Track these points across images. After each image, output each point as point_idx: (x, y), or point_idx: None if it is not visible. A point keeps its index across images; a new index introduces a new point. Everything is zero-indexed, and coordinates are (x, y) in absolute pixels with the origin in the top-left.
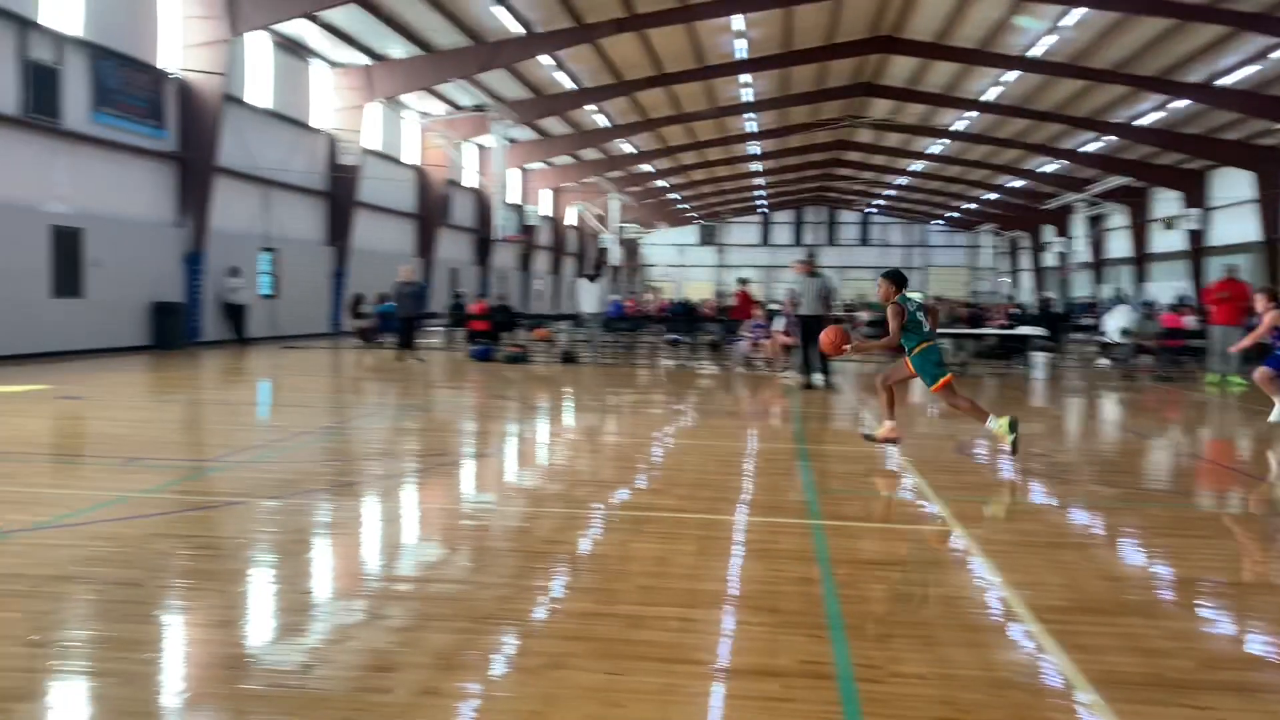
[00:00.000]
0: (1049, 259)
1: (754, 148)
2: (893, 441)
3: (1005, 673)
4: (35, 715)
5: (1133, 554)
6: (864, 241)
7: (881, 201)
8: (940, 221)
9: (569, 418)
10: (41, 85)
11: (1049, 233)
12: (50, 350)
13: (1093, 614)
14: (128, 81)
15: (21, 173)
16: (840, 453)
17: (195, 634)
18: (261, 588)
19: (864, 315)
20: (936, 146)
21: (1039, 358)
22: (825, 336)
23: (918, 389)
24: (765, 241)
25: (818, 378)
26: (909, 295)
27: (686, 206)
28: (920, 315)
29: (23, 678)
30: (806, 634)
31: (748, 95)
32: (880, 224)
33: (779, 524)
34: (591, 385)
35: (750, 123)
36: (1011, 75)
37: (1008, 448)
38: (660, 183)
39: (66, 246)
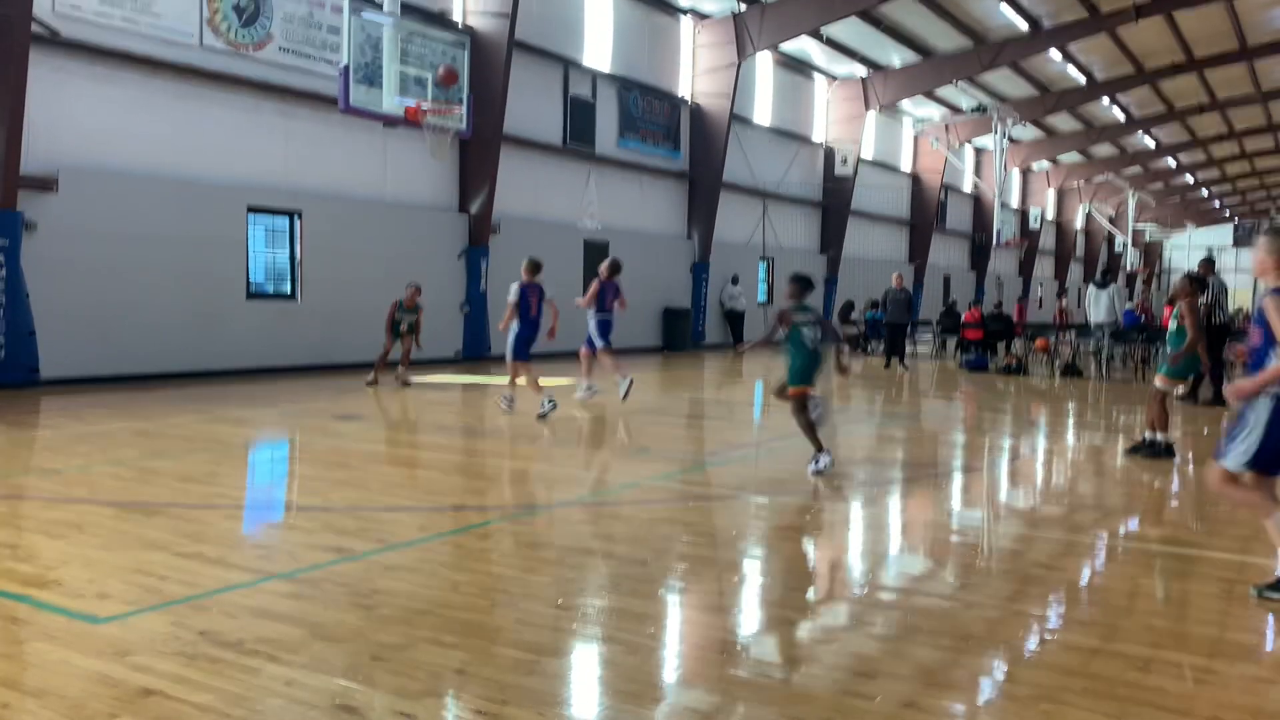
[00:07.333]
0: None
1: None
2: None
3: None
4: (557, 670)
5: None
6: None
7: None
8: None
9: (1070, 435)
10: (579, 118)
11: None
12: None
13: None
14: (648, 109)
15: (562, 195)
16: None
17: (691, 615)
18: (751, 579)
19: None
20: None
21: None
22: None
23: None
24: None
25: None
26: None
27: (1218, 204)
28: (806, 327)
29: (549, 635)
30: None
31: None
32: None
33: None
34: (1097, 401)
35: None
36: None
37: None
38: (1187, 178)
39: (595, 258)
